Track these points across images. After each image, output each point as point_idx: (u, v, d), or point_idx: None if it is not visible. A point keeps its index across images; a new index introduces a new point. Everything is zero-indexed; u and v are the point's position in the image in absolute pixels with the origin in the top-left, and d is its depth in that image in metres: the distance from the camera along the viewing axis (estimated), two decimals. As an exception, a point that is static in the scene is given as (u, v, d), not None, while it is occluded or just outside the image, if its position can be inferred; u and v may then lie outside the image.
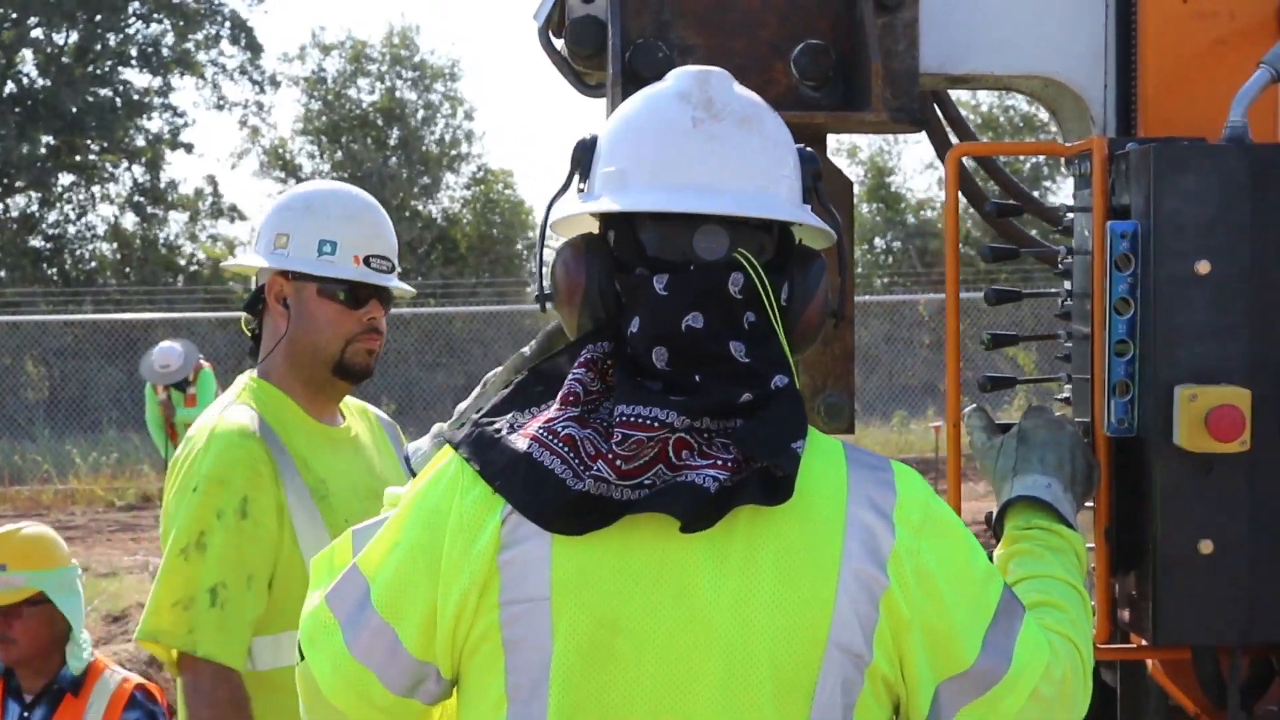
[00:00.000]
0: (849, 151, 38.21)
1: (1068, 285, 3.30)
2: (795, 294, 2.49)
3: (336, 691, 2.58)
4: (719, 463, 2.36)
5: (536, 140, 79.45)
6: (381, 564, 2.54)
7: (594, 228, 2.59)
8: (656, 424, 2.38)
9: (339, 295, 4.11)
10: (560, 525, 2.40)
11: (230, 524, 3.91)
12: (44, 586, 5.10)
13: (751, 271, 2.43)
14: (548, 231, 2.64)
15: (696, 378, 2.41)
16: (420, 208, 37.59)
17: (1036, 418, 3.07)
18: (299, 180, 38.14)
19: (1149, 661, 3.42)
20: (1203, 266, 2.98)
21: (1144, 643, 3.16)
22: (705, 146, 2.48)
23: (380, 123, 37.98)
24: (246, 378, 4.17)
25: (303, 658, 2.62)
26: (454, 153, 38.48)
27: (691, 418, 2.38)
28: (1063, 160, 3.33)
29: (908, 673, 2.46)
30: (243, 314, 4.25)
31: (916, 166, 54.10)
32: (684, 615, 2.38)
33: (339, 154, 37.76)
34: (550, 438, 2.42)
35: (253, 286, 4.24)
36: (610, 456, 2.38)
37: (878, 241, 37.90)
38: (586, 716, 2.40)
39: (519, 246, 37.79)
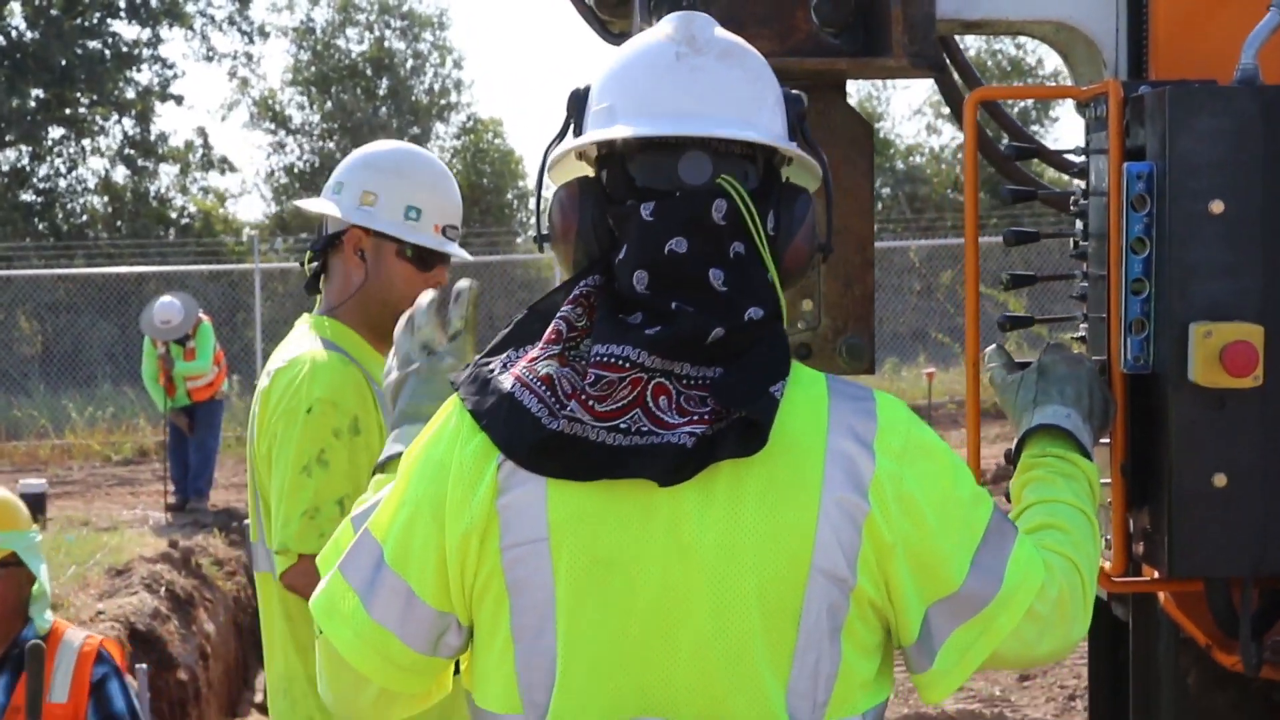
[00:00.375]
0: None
1: (1081, 226, 3.37)
2: (781, 225, 2.54)
3: (359, 656, 2.62)
4: (696, 418, 2.42)
5: (526, 89, 79.25)
6: (391, 524, 2.60)
7: (590, 173, 2.65)
8: (627, 364, 2.44)
9: (413, 257, 4.32)
10: (536, 464, 2.47)
11: (346, 442, 4.10)
12: (16, 547, 5.06)
13: (736, 196, 2.49)
14: (545, 181, 2.71)
15: (673, 305, 2.46)
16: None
17: (1055, 353, 3.14)
18: (289, 131, 38.14)
19: (1161, 595, 3.50)
20: (1216, 206, 3.05)
21: (1157, 575, 3.24)
22: (688, 77, 2.54)
23: (369, 73, 37.98)
24: (310, 318, 4.30)
25: (320, 633, 2.66)
26: (443, 102, 38.50)
27: (661, 355, 2.44)
28: (1074, 104, 3.39)
29: (894, 596, 2.51)
30: (307, 252, 4.44)
31: (904, 113, 54.12)
32: (673, 549, 2.44)
33: (328, 104, 37.76)
34: (530, 376, 2.49)
35: (324, 229, 4.39)
36: (584, 397, 2.45)
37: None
38: (589, 649, 2.48)
39: (509, 196, 37.82)
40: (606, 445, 2.43)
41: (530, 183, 38.53)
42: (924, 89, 38.73)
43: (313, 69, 38.05)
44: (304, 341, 4.28)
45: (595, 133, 2.58)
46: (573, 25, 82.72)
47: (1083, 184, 3.38)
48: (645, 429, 2.42)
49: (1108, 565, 3.26)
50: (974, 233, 3.36)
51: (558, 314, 2.54)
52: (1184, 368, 3.04)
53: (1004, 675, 10.29)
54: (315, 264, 4.39)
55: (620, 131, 2.53)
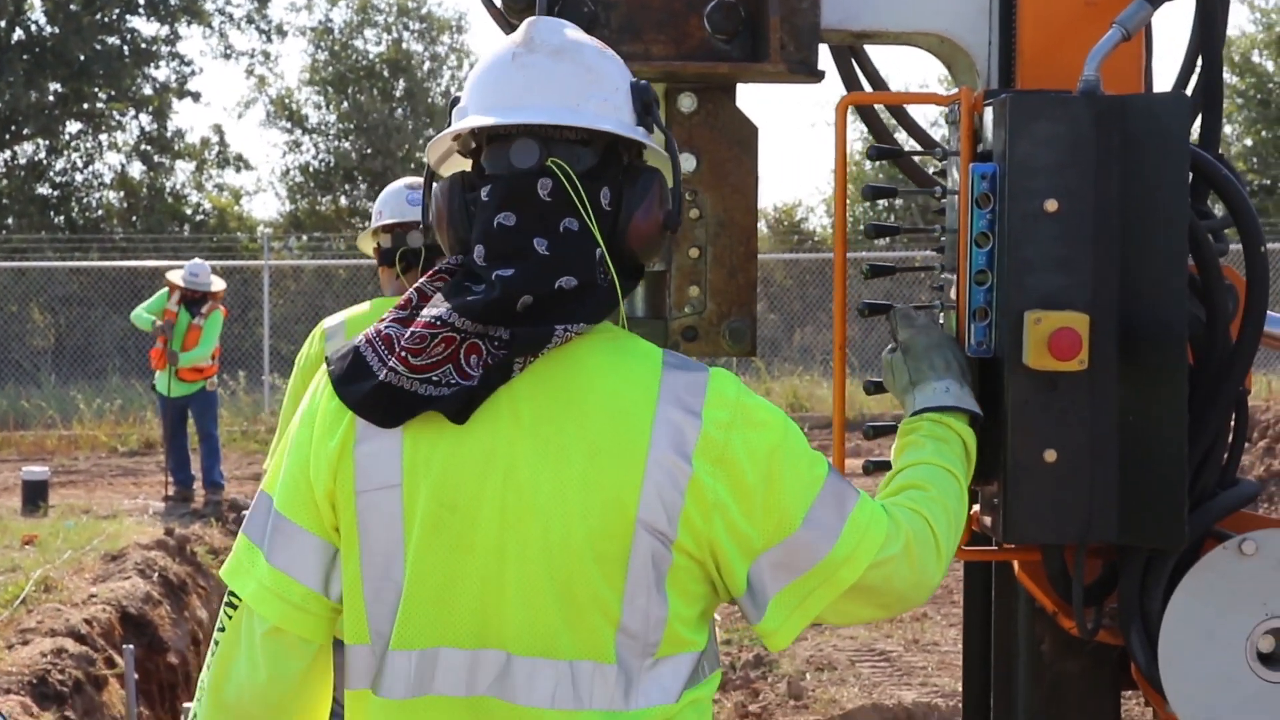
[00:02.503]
0: (853, 108, 38.27)
1: (941, 225, 3.66)
2: (619, 201, 2.80)
3: (263, 603, 2.87)
4: (493, 366, 2.74)
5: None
6: (276, 474, 2.94)
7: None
8: (439, 323, 2.73)
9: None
10: (363, 410, 2.78)
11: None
12: None
13: (561, 176, 2.76)
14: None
15: (494, 274, 2.74)
16: (425, 159, 37.76)
17: (909, 326, 3.44)
18: (305, 131, 38.40)
19: (1015, 564, 3.79)
20: (1051, 205, 3.33)
21: (991, 548, 3.54)
22: (520, 74, 2.83)
23: (386, 74, 38.23)
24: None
25: (232, 605, 2.95)
26: (461, 105, 38.63)
27: (472, 319, 2.72)
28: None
29: (719, 553, 2.75)
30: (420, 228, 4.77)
31: (921, 123, 54.04)
32: (510, 496, 2.71)
33: (345, 105, 38.03)
34: (375, 335, 2.83)
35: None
36: (402, 353, 2.75)
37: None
38: (431, 585, 2.74)
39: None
40: (418, 394, 2.73)
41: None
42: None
43: (330, 69, 38.35)
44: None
45: (444, 131, 2.93)
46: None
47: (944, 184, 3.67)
48: (453, 381, 2.73)
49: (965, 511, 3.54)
50: (842, 239, 3.63)
51: (415, 285, 2.88)
52: (1019, 353, 3.32)
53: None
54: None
55: (457, 126, 2.87)
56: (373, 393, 2.77)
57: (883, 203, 32.17)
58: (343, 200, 38.27)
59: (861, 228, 3.70)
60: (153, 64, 37.73)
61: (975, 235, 3.39)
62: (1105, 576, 3.55)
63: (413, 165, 37.01)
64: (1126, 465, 3.32)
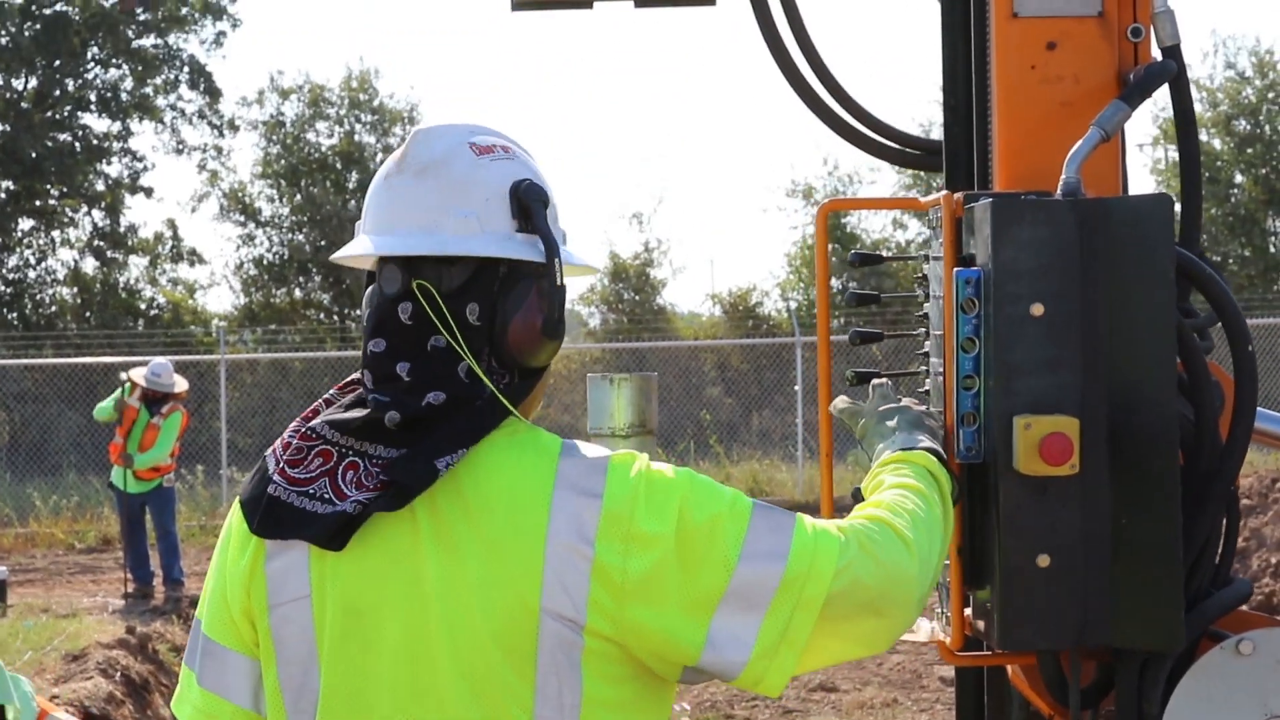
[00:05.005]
0: (804, 193, 38.58)
1: (926, 328, 3.65)
2: (488, 315, 2.79)
3: None
4: (369, 489, 2.75)
5: (497, 182, 79.46)
6: (204, 598, 2.97)
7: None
8: (313, 434, 2.80)
9: None
10: (260, 529, 2.81)
11: None
12: None
13: (422, 298, 2.78)
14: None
15: (370, 397, 2.80)
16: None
17: (874, 402, 3.43)
18: (259, 224, 38.37)
19: (1008, 668, 3.76)
20: (1037, 309, 3.32)
21: (984, 652, 3.52)
22: (385, 196, 2.86)
23: (339, 166, 38.25)
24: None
25: None
26: (413, 196, 38.66)
27: (335, 429, 2.79)
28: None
29: (647, 629, 2.69)
30: None
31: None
32: (413, 599, 2.72)
33: (298, 197, 38.02)
34: (279, 442, 2.86)
35: None
36: (281, 465, 2.80)
37: (834, 282, 38.20)
38: (345, 692, 2.77)
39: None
40: (295, 507, 2.77)
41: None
42: (890, 184, 39.10)
43: (283, 162, 38.35)
44: None
45: (334, 257, 3.01)
46: (542, 120, 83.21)
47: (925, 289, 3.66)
48: (327, 497, 2.75)
49: (948, 640, 3.51)
50: (825, 332, 3.64)
51: (326, 394, 2.94)
52: (1009, 457, 3.30)
53: None
54: None
55: (334, 257, 2.97)
56: (265, 507, 2.80)
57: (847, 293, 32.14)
58: (297, 292, 38.19)
59: (841, 299, 3.70)
60: (104, 160, 37.72)
61: (961, 340, 3.37)
62: (1101, 679, 3.53)
63: (367, 256, 37.01)
64: (1121, 568, 3.30)
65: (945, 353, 3.44)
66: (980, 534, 3.40)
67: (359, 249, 2.84)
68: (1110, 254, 3.31)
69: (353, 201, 37.71)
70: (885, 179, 52.01)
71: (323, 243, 37.24)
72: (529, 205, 2.82)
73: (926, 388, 3.65)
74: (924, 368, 3.66)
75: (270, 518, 2.78)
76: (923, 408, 3.43)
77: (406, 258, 2.80)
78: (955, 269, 3.40)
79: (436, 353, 2.77)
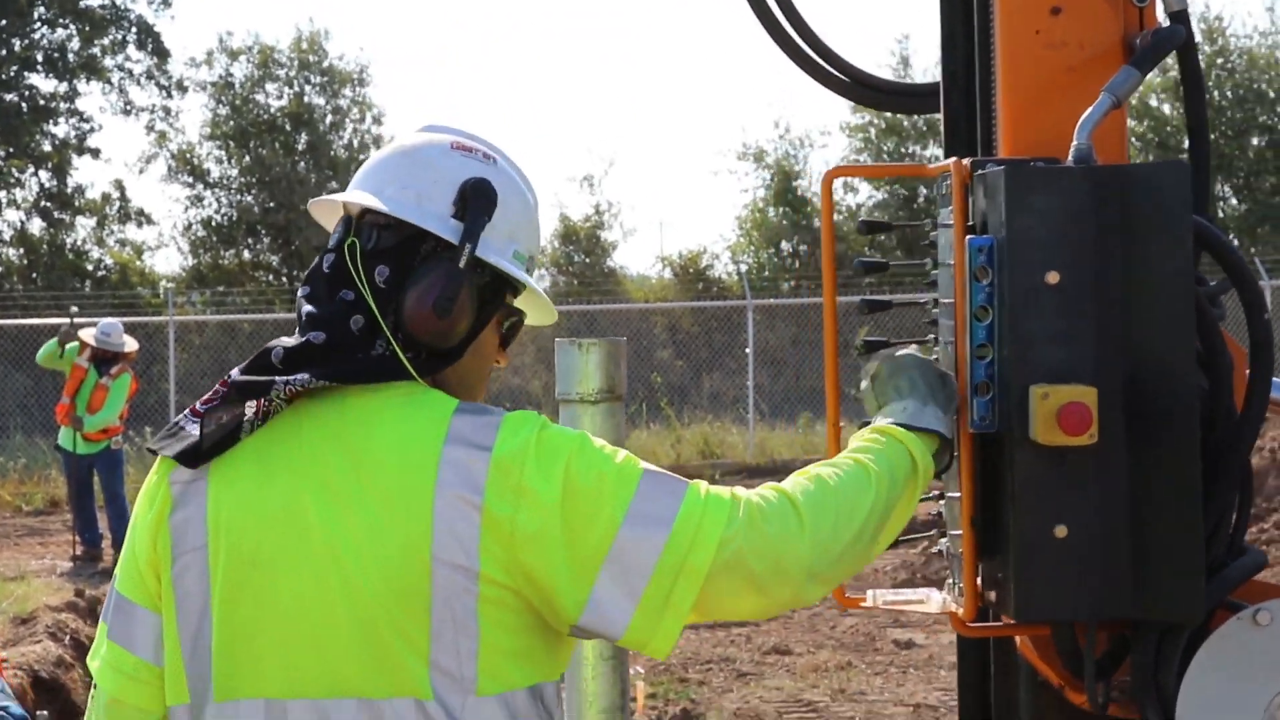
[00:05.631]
0: (756, 156, 38.54)
1: (934, 295, 3.60)
2: (394, 281, 2.90)
3: (103, 676, 3.00)
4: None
5: (445, 144, 79.12)
6: (120, 557, 3.04)
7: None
8: (226, 380, 2.91)
9: None
10: (152, 444, 2.96)
11: None
12: None
13: (342, 252, 2.92)
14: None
15: (301, 336, 2.92)
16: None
17: (877, 359, 3.40)
18: (207, 185, 38.13)
19: (1017, 639, 3.72)
20: (1052, 277, 3.27)
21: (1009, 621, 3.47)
22: (370, 165, 3.05)
23: (288, 127, 38.04)
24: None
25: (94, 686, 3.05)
26: (362, 157, 38.46)
27: (241, 373, 2.90)
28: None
29: (537, 579, 2.78)
30: None
31: (822, 170, 54.39)
32: (306, 549, 2.81)
33: (247, 159, 37.79)
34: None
35: None
36: (195, 404, 2.93)
37: (784, 245, 38.24)
38: (240, 642, 2.84)
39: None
40: (182, 429, 2.91)
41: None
42: (841, 149, 39.12)
43: (231, 123, 38.10)
44: None
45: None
46: (492, 83, 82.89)
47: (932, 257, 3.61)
48: (197, 421, 2.89)
49: (960, 611, 3.47)
50: (831, 300, 3.60)
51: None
52: (1025, 427, 3.25)
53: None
54: None
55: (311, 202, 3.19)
56: (165, 433, 2.95)
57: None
58: (246, 254, 38.00)
59: (853, 266, 3.66)
60: (51, 121, 37.41)
61: (974, 309, 3.32)
62: (1114, 649, 3.49)
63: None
64: (1140, 539, 3.27)
65: (956, 321, 3.39)
66: (995, 505, 3.35)
67: (315, 201, 3.11)
68: (1126, 222, 3.26)
69: (302, 163, 37.52)
70: (836, 142, 51.95)
71: (271, 204, 37.06)
72: (470, 199, 2.93)
73: (935, 356, 3.60)
74: (932, 335, 3.61)
75: (163, 440, 2.92)
76: (922, 356, 3.39)
77: (356, 219, 2.95)
78: (968, 237, 3.34)
79: (341, 303, 2.89)
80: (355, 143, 38.55)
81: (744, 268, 37.44)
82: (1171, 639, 3.39)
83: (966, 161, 3.50)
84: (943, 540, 3.60)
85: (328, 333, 2.88)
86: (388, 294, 2.89)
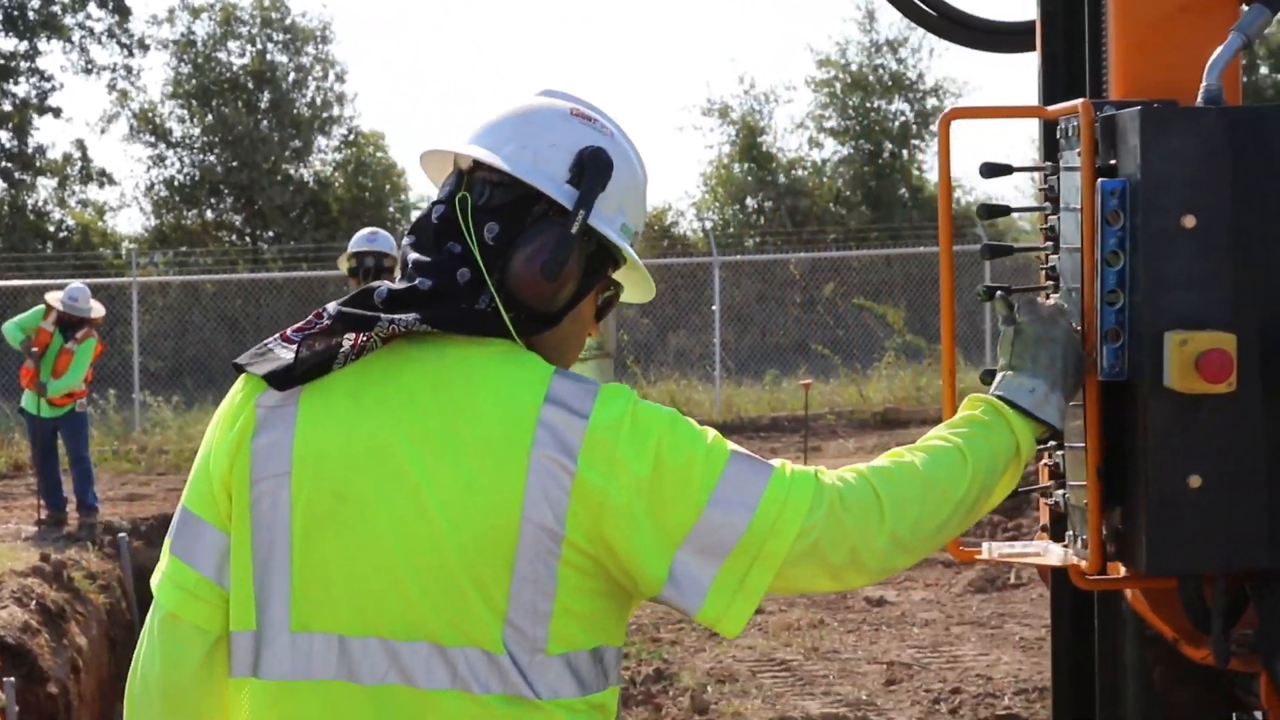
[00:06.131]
0: (720, 112, 38.43)
1: (1050, 242, 3.50)
2: (504, 239, 2.88)
3: (162, 590, 2.97)
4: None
5: (409, 103, 79.22)
6: (190, 477, 3.02)
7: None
8: (322, 313, 2.90)
9: None
10: (240, 362, 2.94)
11: None
12: None
13: (453, 205, 2.90)
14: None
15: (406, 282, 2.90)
16: (292, 171, 37.41)
17: (1030, 312, 3.26)
18: (169, 145, 37.84)
19: (1128, 593, 3.64)
20: (1188, 220, 3.19)
21: (1125, 573, 3.39)
22: (490, 120, 2.99)
23: (251, 86, 37.76)
24: None
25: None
26: (325, 115, 38.32)
27: (339, 305, 2.90)
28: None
29: (620, 550, 2.78)
30: None
31: (787, 126, 54.36)
32: (396, 489, 2.80)
33: (209, 117, 37.50)
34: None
35: None
36: (285, 330, 2.92)
37: (749, 201, 38.16)
38: (318, 577, 2.84)
39: (391, 209, 37.70)
40: (273, 352, 2.89)
41: (411, 195, 38.54)
42: (806, 104, 39.07)
43: (194, 82, 37.79)
44: None
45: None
46: (455, 40, 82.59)
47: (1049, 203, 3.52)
48: (301, 349, 2.86)
49: (1083, 564, 3.39)
50: (948, 244, 3.50)
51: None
52: (1159, 374, 3.17)
53: (870, 679, 10.41)
54: None
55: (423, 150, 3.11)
56: (253, 353, 2.94)
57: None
58: (209, 214, 37.75)
59: (974, 208, 3.57)
60: (11, 80, 37.01)
61: (1105, 254, 3.24)
62: (1233, 603, 3.41)
63: (279, 177, 36.59)
64: (1277, 488, 3.19)
65: (1084, 267, 3.30)
66: (1122, 455, 3.27)
67: (426, 148, 3.06)
68: (1264, 164, 3.19)
69: (265, 122, 37.26)
70: (801, 97, 51.95)
71: (234, 164, 36.80)
72: (587, 166, 2.91)
73: (1055, 299, 3.51)
74: (1049, 283, 3.51)
75: (252, 359, 2.91)
76: (1065, 320, 3.28)
77: (468, 173, 2.93)
78: (1099, 179, 3.25)
79: (448, 255, 2.88)
80: (318, 100, 38.27)
81: (709, 224, 37.37)
82: (1301, 591, 3.33)
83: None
84: (1059, 492, 3.51)
85: (434, 280, 2.86)
86: (496, 251, 2.87)
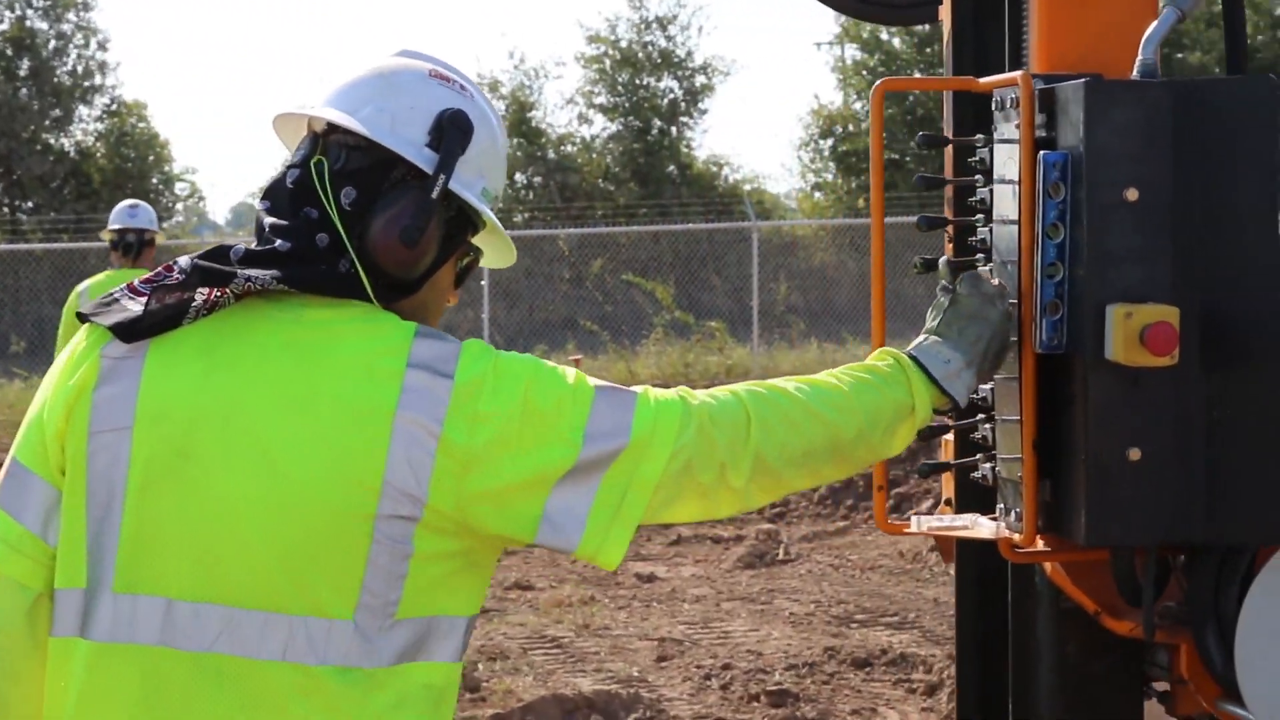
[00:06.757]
0: (491, 86, 38.23)
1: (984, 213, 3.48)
2: (361, 204, 2.82)
3: None
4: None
5: (172, 72, 78.01)
6: (20, 429, 2.91)
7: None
8: (173, 265, 2.82)
9: None
10: (82, 312, 2.84)
11: None
12: None
13: (308, 169, 2.84)
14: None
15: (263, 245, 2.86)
16: (52, 141, 36.49)
17: (973, 287, 3.22)
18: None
19: (1047, 566, 3.64)
20: (1131, 193, 3.18)
21: (1044, 546, 3.39)
22: (345, 82, 2.94)
23: (9, 53, 36.72)
24: None
25: None
26: (87, 84, 37.42)
27: (199, 257, 2.83)
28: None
29: (493, 501, 2.72)
30: None
31: (556, 102, 54.32)
32: (245, 449, 2.72)
33: (-35, 85, 36.43)
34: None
35: None
36: (133, 282, 2.84)
37: (518, 177, 38.04)
38: (153, 537, 2.74)
39: (154, 180, 36.98)
40: (119, 303, 2.81)
41: (174, 167, 37.87)
42: (576, 80, 39.03)
43: (-52, 48, 36.68)
44: None
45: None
46: (221, 9, 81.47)
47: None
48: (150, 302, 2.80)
49: (1016, 537, 3.37)
50: (879, 215, 3.44)
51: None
52: (1100, 347, 3.16)
53: (641, 656, 10.44)
54: None
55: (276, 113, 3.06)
56: (97, 304, 2.84)
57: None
58: (-36, 183, 36.68)
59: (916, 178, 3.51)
60: None
61: (1046, 227, 3.22)
62: (1158, 575, 3.43)
63: (38, 147, 35.66)
64: (1215, 462, 3.20)
65: (1022, 239, 3.27)
66: (1059, 428, 3.26)
67: (280, 111, 3.00)
68: (1209, 137, 3.19)
69: (24, 90, 36.28)
70: (571, 73, 51.81)
71: (-9, 132, 35.78)
72: (446, 130, 2.86)
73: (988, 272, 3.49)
74: (979, 255, 3.49)
75: (98, 309, 2.81)
76: (1002, 303, 3.24)
77: (324, 136, 2.87)
78: (1041, 152, 3.23)
79: (305, 220, 2.81)
80: (80, 69, 37.35)
81: (477, 198, 37.17)
82: (1231, 564, 3.36)
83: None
84: (986, 465, 3.49)
85: (293, 243, 2.80)
86: (354, 216, 2.82)
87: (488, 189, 2.94)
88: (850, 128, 37.71)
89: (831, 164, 38.54)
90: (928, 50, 36.45)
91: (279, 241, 2.79)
